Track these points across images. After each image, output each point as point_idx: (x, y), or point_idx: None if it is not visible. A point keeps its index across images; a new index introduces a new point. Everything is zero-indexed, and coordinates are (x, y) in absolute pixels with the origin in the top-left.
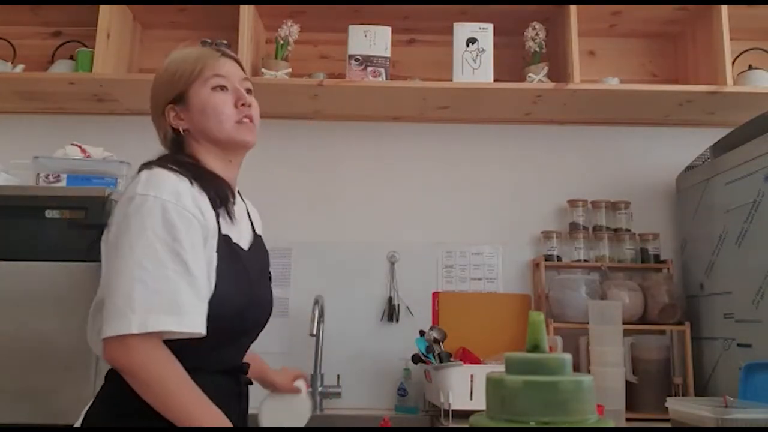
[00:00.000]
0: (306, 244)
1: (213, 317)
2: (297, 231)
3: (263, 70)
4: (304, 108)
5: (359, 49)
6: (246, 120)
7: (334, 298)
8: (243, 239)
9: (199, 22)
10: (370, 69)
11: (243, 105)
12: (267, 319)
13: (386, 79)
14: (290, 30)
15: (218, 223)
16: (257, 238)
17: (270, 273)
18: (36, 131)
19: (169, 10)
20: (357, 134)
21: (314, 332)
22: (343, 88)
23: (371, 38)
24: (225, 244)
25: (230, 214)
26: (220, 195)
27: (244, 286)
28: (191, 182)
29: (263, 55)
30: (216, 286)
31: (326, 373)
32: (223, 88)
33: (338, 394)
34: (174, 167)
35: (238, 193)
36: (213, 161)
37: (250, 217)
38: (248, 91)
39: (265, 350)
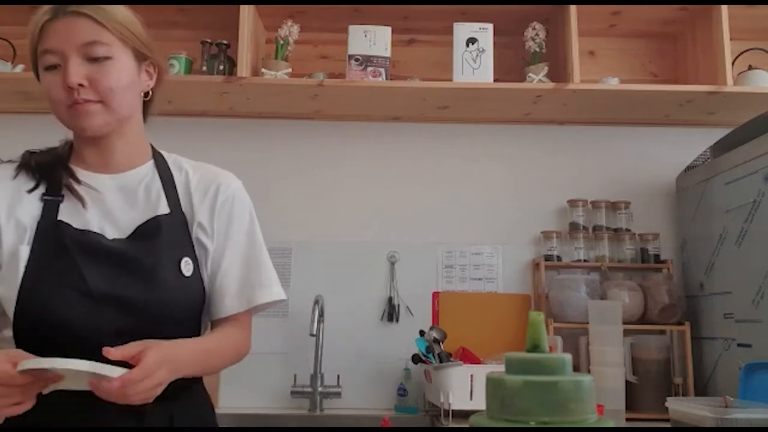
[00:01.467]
0: (306, 244)
1: (27, 318)
2: (297, 231)
3: (263, 70)
4: (304, 108)
5: (359, 49)
6: (77, 105)
7: (334, 298)
8: (108, 224)
9: (199, 22)
10: (370, 69)
11: (71, 88)
12: (158, 319)
13: (386, 79)
14: (290, 30)
15: (55, 209)
16: (169, 218)
17: (180, 262)
18: (36, 131)
19: (168, 10)
20: (357, 134)
21: (314, 332)
22: (343, 88)
23: (371, 38)
24: (53, 232)
25: (81, 200)
26: (59, 179)
27: (67, 280)
28: (18, 170)
29: (263, 55)
30: (25, 282)
31: (326, 373)
32: (54, 67)
33: (338, 394)
34: (11, 159)
35: (159, 166)
36: (81, 144)
37: (174, 193)
38: (94, 59)
39: (265, 350)
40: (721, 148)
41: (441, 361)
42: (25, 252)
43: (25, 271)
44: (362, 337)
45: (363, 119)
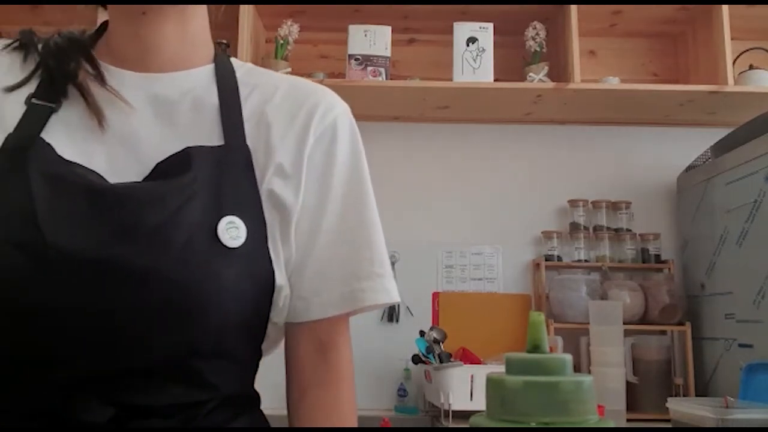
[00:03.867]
0: None
1: None
2: None
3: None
4: None
5: (359, 48)
6: None
7: None
8: (126, 153)
9: None
10: (370, 69)
11: None
12: (162, 312)
13: (386, 78)
14: (290, 30)
15: (40, 120)
16: (218, 153)
17: (218, 224)
18: None
19: None
20: None
21: None
22: (342, 88)
23: (371, 38)
24: (22, 156)
25: (97, 112)
26: (68, 71)
27: (17, 232)
28: (11, 49)
29: (263, 55)
30: None
31: None
32: None
33: None
34: (15, 37)
35: (221, 72)
36: (116, 27)
37: (236, 116)
38: None
39: None
40: (721, 147)
41: (441, 362)
42: None
43: None
44: (362, 338)
45: (363, 119)
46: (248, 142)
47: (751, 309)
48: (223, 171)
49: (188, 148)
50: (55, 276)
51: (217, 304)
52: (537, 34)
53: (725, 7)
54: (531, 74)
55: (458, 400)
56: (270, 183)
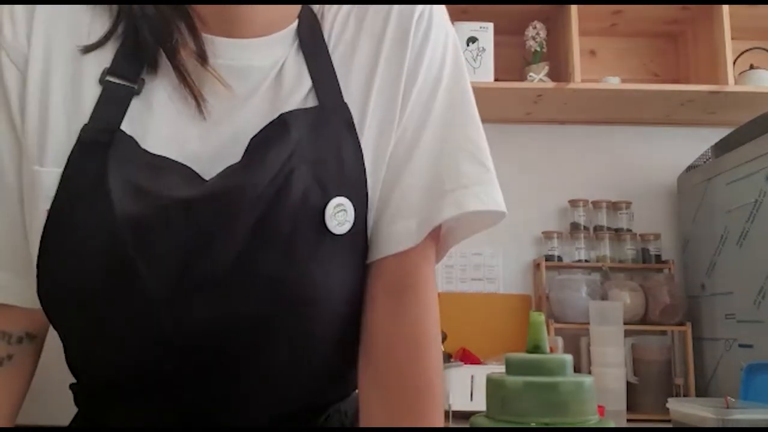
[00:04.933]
0: None
1: (53, 313)
2: None
3: None
4: None
5: None
6: None
7: None
8: (221, 137)
9: None
10: None
11: None
12: (273, 324)
13: None
14: None
15: (120, 104)
16: (313, 115)
17: (325, 208)
18: None
19: None
20: None
21: None
22: None
23: None
24: (99, 152)
25: (196, 97)
26: (165, 37)
27: (102, 257)
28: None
29: None
30: (45, 241)
31: None
32: None
33: None
34: None
35: (304, 29)
36: None
37: (328, 70)
38: None
39: None
40: (722, 147)
41: None
42: (49, 182)
43: (48, 219)
44: None
45: None
46: (346, 98)
47: (751, 309)
48: (323, 137)
49: (282, 115)
50: (150, 296)
51: (326, 302)
52: (537, 33)
53: (725, 7)
54: (531, 74)
55: (458, 401)
56: (375, 139)
